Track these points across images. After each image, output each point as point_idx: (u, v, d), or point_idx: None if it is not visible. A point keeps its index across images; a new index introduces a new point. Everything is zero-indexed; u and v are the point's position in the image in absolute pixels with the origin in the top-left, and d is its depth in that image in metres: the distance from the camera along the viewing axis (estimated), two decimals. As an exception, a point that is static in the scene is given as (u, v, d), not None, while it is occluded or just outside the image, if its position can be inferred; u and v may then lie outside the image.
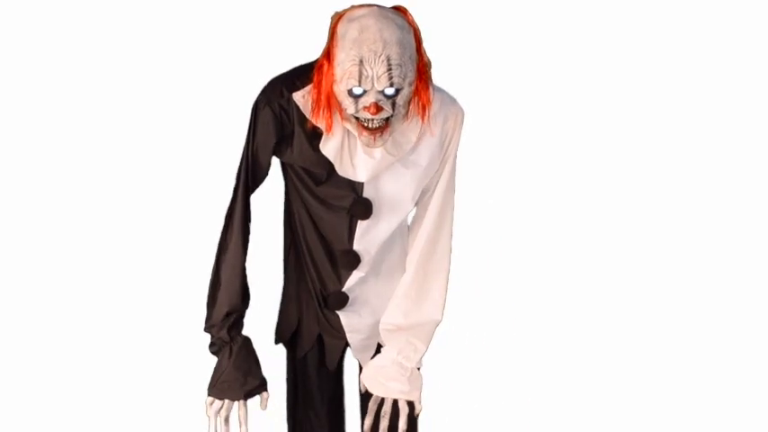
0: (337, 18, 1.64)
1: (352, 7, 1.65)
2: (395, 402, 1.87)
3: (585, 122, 3.22)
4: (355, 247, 1.81)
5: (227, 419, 1.79)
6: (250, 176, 1.77)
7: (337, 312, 1.87)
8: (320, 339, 1.94)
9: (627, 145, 3.24)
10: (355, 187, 1.76)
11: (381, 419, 1.87)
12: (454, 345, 2.82)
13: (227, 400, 1.78)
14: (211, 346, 1.80)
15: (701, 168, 3.25)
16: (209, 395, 1.79)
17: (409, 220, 1.93)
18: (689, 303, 3.18)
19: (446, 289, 1.89)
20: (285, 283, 1.93)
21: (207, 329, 1.80)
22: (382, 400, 1.88)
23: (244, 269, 1.80)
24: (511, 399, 2.90)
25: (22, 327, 3.00)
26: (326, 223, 1.81)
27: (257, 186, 1.80)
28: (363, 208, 1.77)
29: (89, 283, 3.06)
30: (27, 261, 3.07)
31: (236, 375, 1.77)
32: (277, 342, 1.99)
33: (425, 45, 1.70)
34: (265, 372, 2.11)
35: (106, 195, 3.09)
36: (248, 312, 2.12)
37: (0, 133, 3.08)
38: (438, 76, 1.79)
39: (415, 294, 1.87)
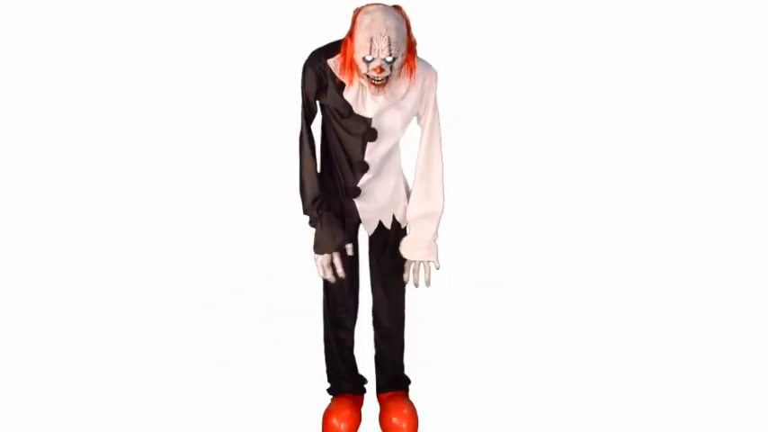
0: (357, 11, 2.39)
1: (366, 5, 2.39)
2: (420, 263, 2.65)
3: (582, 121, 3.37)
4: (366, 158, 2.58)
5: (330, 264, 2.53)
6: (308, 111, 2.53)
7: (354, 200, 2.67)
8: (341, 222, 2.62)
9: (626, 144, 3.36)
10: (366, 121, 2.51)
11: (413, 274, 2.66)
12: (455, 345, 3.13)
13: (326, 254, 2.53)
14: (311, 222, 2.54)
15: (700, 169, 3.32)
16: (315, 253, 2.53)
17: (401, 143, 2.65)
18: (688, 303, 3.20)
19: (442, 185, 2.59)
20: (321, 180, 2.59)
21: (305, 212, 2.54)
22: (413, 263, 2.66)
23: (316, 170, 2.54)
24: (510, 399, 2.91)
25: (29, 327, 3.07)
26: (348, 143, 2.56)
27: (313, 118, 2.55)
28: (372, 134, 2.54)
29: (95, 282, 3.21)
30: (34, 262, 3.19)
31: (328, 237, 2.51)
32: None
33: (420, 39, 2.45)
34: (267, 371, 2.89)
35: (113, 195, 3.28)
36: (251, 299, 3.04)
37: (22, 136, 3.19)
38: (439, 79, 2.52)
39: (424, 193, 2.61)
